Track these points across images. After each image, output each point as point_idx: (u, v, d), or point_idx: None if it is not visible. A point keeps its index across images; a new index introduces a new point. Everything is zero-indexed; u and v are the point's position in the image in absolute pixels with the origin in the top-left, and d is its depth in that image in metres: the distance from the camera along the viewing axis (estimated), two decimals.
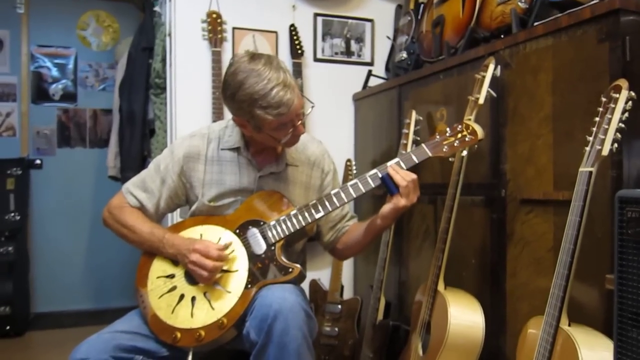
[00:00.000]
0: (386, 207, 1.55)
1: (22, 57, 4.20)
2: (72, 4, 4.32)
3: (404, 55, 2.61)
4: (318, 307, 2.62)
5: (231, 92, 1.47)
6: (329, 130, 2.85)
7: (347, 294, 2.76)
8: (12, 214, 3.70)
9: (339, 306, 2.58)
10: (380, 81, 2.78)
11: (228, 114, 1.64)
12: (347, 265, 2.84)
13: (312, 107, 1.56)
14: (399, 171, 1.52)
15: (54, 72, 4.30)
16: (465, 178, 1.79)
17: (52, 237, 4.21)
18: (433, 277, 1.76)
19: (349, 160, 2.78)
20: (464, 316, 1.63)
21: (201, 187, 1.65)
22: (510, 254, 1.75)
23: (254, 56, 1.48)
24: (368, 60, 2.99)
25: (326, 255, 2.80)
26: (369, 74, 2.87)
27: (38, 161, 4.17)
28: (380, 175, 1.55)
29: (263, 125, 1.49)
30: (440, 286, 1.75)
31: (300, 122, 1.53)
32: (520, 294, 1.71)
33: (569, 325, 1.32)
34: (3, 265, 3.58)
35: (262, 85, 1.43)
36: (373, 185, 1.57)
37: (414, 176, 1.52)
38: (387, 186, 1.53)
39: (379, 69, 2.95)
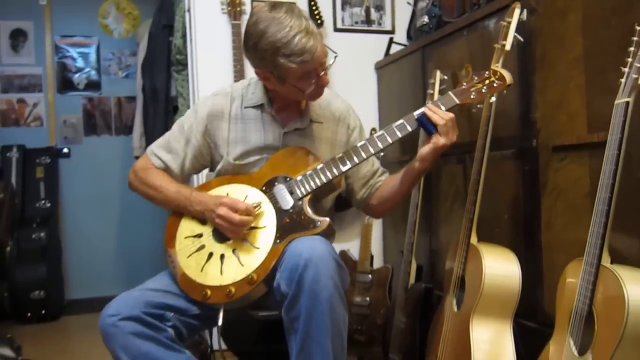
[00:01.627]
0: (425, 148, 1.51)
1: (47, 48, 4.27)
2: None
3: (426, 19, 2.55)
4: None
5: (253, 42, 1.45)
6: (353, 100, 2.71)
7: (377, 263, 2.73)
8: (43, 201, 3.78)
9: (370, 275, 2.56)
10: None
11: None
12: (376, 235, 2.81)
13: (335, 56, 1.53)
14: (437, 111, 1.48)
15: (78, 61, 4.37)
16: (494, 132, 1.73)
17: (82, 224, 4.29)
18: (465, 230, 1.72)
19: (374, 129, 2.75)
20: (499, 265, 1.59)
21: (226, 146, 1.64)
22: (545, 205, 1.69)
23: (274, 5, 1.46)
24: (389, 28, 2.95)
25: (355, 226, 2.78)
26: (391, 41, 2.83)
27: (66, 150, 4.26)
28: (416, 117, 1.51)
29: (287, 75, 1.47)
30: (473, 239, 1.71)
31: (323, 72, 1.50)
32: (556, 245, 1.66)
33: (611, 263, 1.27)
34: (36, 250, 3.66)
35: (285, 33, 1.41)
36: (400, 136, 1.54)
37: (451, 115, 1.48)
38: (425, 126, 1.49)
39: (401, 36, 2.90)
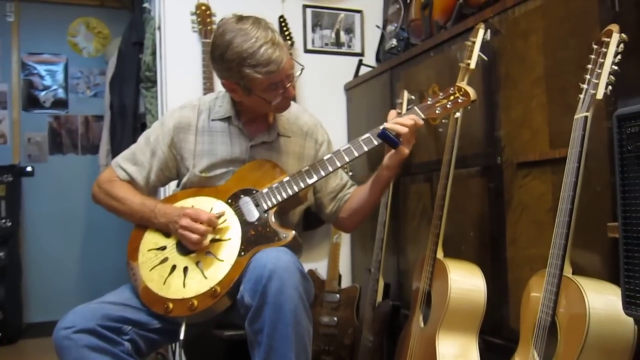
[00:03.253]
0: (390, 158, 1.54)
1: (13, 64, 4.20)
2: (62, 11, 4.33)
3: (394, 42, 2.60)
4: (316, 297, 2.56)
5: (219, 52, 1.46)
6: (323, 120, 2.73)
7: (345, 283, 2.71)
8: (3, 220, 3.67)
9: (338, 295, 2.54)
10: None
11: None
12: (345, 254, 2.80)
13: (302, 69, 1.55)
14: (396, 120, 1.50)
15: (46, 79, 4.30)
16: (460, 150, 1.76)
17: (44, 245, 4.16)
18: (432, 245, 1.73)
19: None
20: (465, 280, 1.60)
21: (192, 158, 1.62)
22: (509, 221, 1.71)
23: (241, 17, 1.48)
24: (358, 50, 2.98)
25: (323, 246, 2.76)
26: (360, 62, 2.86)
27: (29, 168, 4.15)
28: (379, 131, 1.53)
29: (253, 85, 1.47)
30: (440, 254, 1.71)
31: (290, 83, 1.51)
32: (521, 261, 1.67)
33: (573, 274, 1.28)
34: None
35: (251, 44, 1.42)
36: (366, 149, 1.56)
37: (410, 121, 1.50)
38: (388, 140, 1.51)
39: (370, 59, 2.93)
